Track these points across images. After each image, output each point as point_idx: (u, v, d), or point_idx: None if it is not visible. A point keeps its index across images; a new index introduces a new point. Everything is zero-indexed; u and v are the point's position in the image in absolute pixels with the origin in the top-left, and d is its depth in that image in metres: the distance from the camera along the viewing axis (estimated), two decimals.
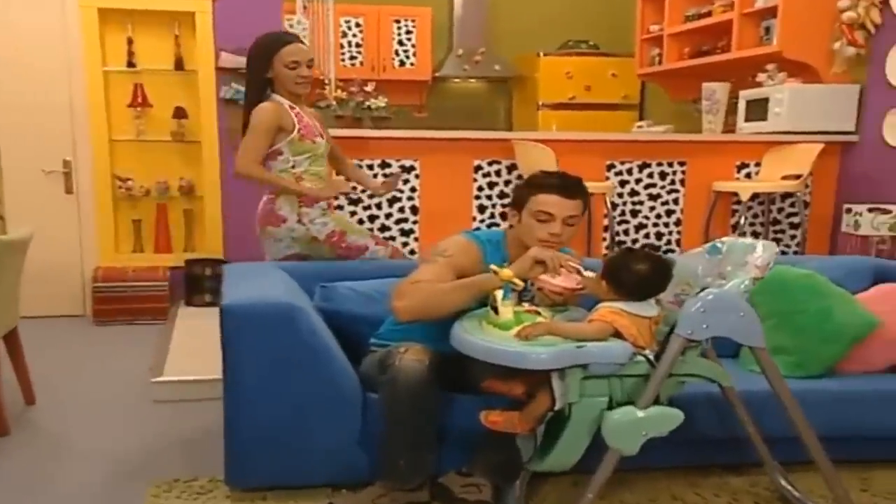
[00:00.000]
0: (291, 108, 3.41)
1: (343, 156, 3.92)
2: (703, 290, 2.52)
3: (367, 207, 4.79)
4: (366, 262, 3.45)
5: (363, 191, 4.80)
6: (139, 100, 5.69)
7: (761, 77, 5.53)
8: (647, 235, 5.16)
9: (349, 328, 3.04)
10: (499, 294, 2.42)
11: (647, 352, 2.35)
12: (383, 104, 5.01)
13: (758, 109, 5.35)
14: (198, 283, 5.58)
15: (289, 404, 2.63)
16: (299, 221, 3.44)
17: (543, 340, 2.31)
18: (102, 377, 4.19)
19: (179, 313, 5.33)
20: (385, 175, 4.80)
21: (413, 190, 4.84)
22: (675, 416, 2.32)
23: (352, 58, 7.50)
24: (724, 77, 5.95)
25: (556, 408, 2.36)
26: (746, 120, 5.49)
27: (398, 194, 4.82)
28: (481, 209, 4.93)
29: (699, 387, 2.54)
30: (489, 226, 4.90)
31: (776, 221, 5.30)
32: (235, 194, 5.68)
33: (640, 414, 2.29)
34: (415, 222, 4.87)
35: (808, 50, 5.26)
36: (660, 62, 6.86)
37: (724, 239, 2.60)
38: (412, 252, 4.78)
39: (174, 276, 5.58)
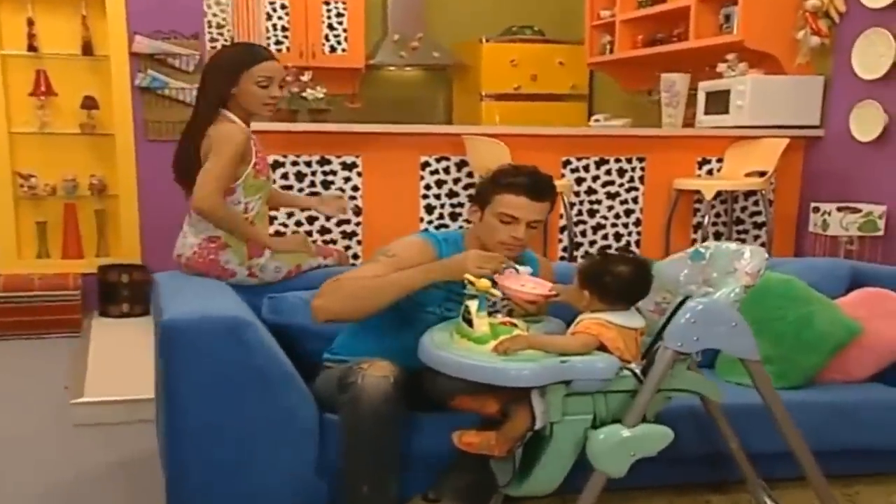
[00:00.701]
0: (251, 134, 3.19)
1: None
2: (686, 298, 2.57)
3: (306, 208, 4.74)
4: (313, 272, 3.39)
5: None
6: (42, 88, 5.57)
7: (721, 67, 5.63)
8: (605, 237, 5.21)
9: (300, 342, 3.01)
10: (473, 305, 2.42)
11: (633, 366, 2.38)
12: (321, 95, 4.97)
13: (718, 102, 5.45)
14: (113, 291, 5.47)
15: (238, 429, 2.58)
16: (250, 275, 3.18)
17: (524, 355, 2.32)
18: (11, 400, 4.06)
19: (94, 325, 5.22)
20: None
21: (355, 189, 4.80)
22: (665, 435, 2.35)
23: (277, 43, 7.40)
24: (680, 67, 6.04)
25: (537, 427, 2.36)
26: (706, 113, 5.59)
27: (339, 194, 4.78)
28: (429, 209, 4.92)
29: (679, 401, 2.57)
30: (438, 227, 4.89)
31: (739, 221, 5.41)
32: (153, 192, 5.60)
33: (628, 433, 2.31)
34: (357, 224, 4.83)
35: (770, 39, 5.37)
36: (611, 50, 6.92)
37: (707, 243, 2.64)
38: (356, 256, 4.75)
39: (87, 283, 5.46)
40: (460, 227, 4.80)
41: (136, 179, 5.63)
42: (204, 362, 2.53)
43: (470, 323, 2.42)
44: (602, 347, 2.36)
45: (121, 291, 5.47)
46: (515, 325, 2.48)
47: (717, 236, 5.35)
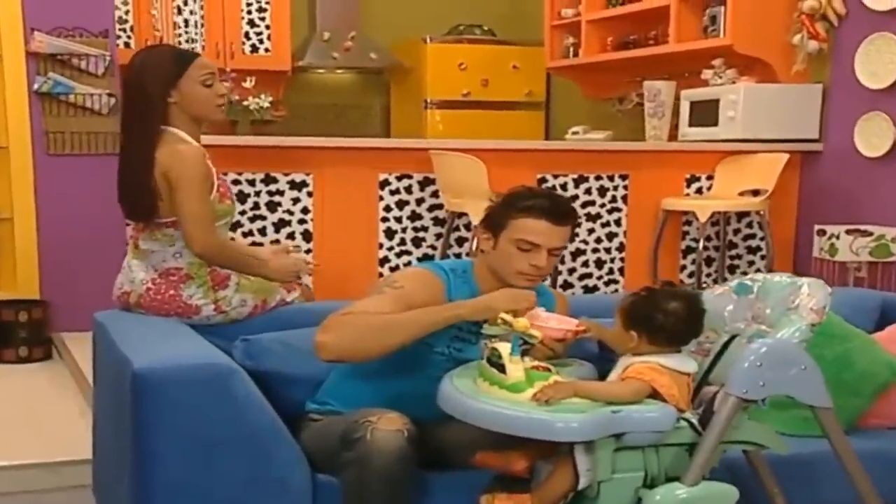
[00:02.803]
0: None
1: None
2: (733, 337, 2.61)
3: (249, 233, 4.70)
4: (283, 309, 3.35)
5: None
6: None
7: (707, 74, 5.76)
8: (585, 263, 5.27)
9: (276, 391, 2.95)
10: (504, 348, 2.41)
11: (688, 415, 2.40)
12: (267, 104, 4.93)
13: (706, 113, 5.57)
14: (8, 332, 5.29)
15: (222, 492, 2.54)
16: (216, 310, 3.16)
17: (568, 404, 2.32)
18: None
19: None
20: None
21: (305, 211, 4.77)
22: (730, 494, 2.38)
23: (190, 41, 7.32)
24: (656, 73, 6.19)
25: (581, 487, 2.37)
26: (691, 125, 5.71)
27: (286, 217, 4.75)
28: (389, 234, 4.91)
29: None
30: (399, 254, 4.89)
31: (732, 245, 5.53)
32: (55, 216, 5.45)
33: (688, 493, 2.32)
34: (308, 251, 4.80)
35: (762, 44, 5.52)
36: (576, 54, 7.03)
37: (754, 275, 2.69)
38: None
39: None
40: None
41: (35, 200, 5.46)
42: (184, 415, 2.50)
43: (500, 368, 2.41)
44: (653, 395, 2.38)
45: (17, 332, 5.29)
46: (550, 370, 2.47)
47: (709, 262, 5.46)
